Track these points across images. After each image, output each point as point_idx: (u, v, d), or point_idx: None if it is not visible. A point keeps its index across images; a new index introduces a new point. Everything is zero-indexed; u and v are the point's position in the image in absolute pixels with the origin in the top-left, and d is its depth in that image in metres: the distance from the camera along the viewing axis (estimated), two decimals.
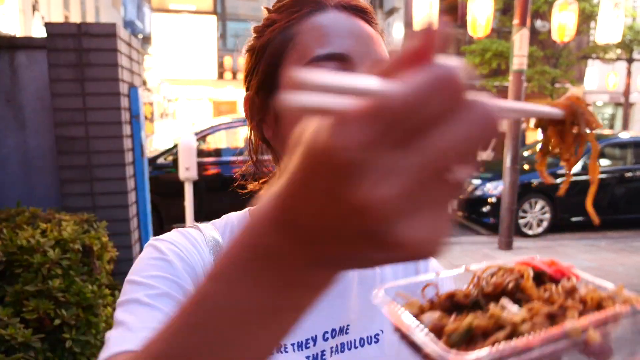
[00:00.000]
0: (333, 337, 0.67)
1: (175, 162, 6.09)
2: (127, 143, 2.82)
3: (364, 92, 0.22)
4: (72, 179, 2.67)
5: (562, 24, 6.24)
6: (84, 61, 2.65)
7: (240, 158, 0.76)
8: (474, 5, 6.02)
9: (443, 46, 0.22)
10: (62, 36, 2.63)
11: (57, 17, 13.58)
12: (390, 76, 0.22)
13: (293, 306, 0.31)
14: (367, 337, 0.69)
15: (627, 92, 16.33)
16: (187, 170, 5.39)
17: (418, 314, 0.39)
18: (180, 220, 5.96)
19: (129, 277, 0.59)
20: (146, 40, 25.80)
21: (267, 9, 0.68)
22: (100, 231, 2.47)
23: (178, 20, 15.59)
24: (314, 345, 0.66)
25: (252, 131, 0.70)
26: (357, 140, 0.21)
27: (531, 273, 0.42)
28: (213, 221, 0.73)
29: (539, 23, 15.88)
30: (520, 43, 5.67)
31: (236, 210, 0.71)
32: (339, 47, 0.59)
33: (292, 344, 0.64)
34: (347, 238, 0.25)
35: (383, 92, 0.21)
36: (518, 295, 0.40)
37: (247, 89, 0.69)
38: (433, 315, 0.38)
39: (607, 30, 6.97)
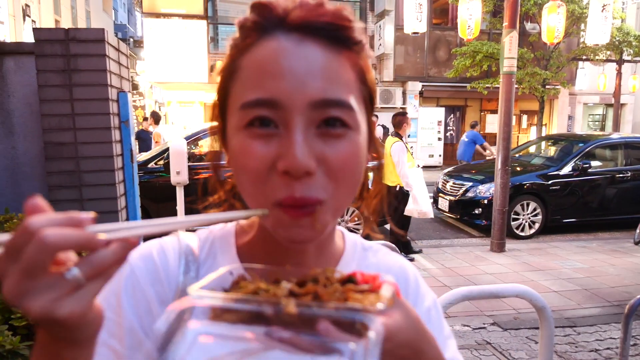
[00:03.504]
0: None
1: (166, 166, 6.04)
2: (117, 148, 2.81)
3: None
4: (60, 185, 2.65)
5: (551, 26, 6.28)
6: (72, 67, 2.63)
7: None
8: (463, 8, 6.05)
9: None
10: (50, 42, 2.62)
11: (48, 22, 13.52)
12: None
13: None
14: None
15: (617, 94, 16.47)
16: (178, 175, 5.36)
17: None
18: None
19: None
20: (138, 44, 25.67)
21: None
22: None
23: (169, 24, 15.51)
24: None
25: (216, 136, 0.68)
26: None
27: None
28: (198, 231, 0.72)
29: (529, 25, 16.00)
30: (510, 45, 5.71)
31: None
32: (267, 92, 0.55)
33: None
34: None
35: None
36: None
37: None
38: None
39: (596, 32, 7.04)
